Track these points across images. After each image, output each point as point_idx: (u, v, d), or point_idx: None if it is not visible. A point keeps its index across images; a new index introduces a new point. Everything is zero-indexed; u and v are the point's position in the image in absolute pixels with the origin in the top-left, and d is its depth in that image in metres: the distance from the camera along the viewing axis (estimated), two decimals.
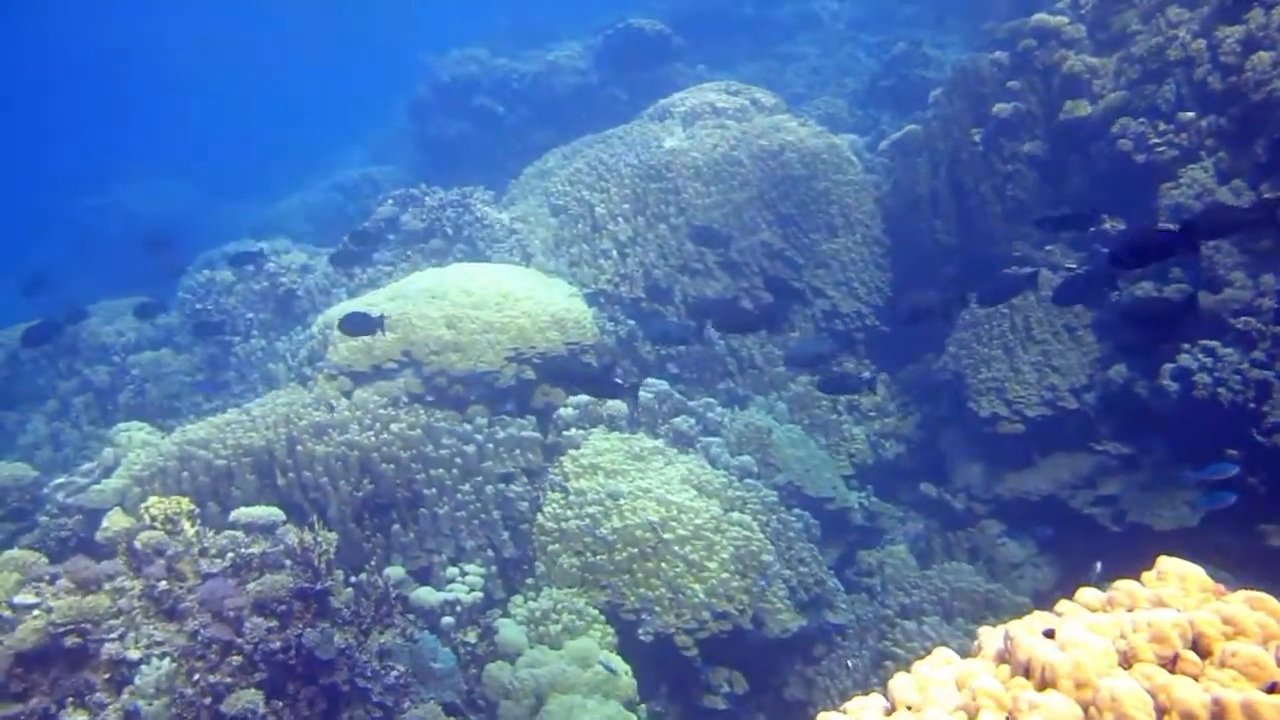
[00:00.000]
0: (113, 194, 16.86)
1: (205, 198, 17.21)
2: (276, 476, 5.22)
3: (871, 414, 7.40)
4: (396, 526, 5.22)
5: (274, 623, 3.88)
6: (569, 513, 5.31)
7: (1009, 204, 7.34)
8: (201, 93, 29.44)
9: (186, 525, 4.12)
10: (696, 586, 5.05)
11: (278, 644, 3.83)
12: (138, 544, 3.93)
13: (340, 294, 7.32)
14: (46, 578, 4.03)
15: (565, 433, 5.88)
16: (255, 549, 4.15)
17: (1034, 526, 6.40)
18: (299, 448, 5.28)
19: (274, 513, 4.70)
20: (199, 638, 3.70)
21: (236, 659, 3.69)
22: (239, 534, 4.25)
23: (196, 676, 3.60)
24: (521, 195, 8.38)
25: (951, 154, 7.75)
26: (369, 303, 6.26)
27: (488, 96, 13.19)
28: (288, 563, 4.10)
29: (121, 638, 3.71)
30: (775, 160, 7.93)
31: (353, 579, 4.46)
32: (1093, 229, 6.23)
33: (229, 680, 3.64)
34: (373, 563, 4.51)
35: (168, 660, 3.60)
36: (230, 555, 4.05)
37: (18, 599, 3.82)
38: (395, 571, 4.96)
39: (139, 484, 5.21)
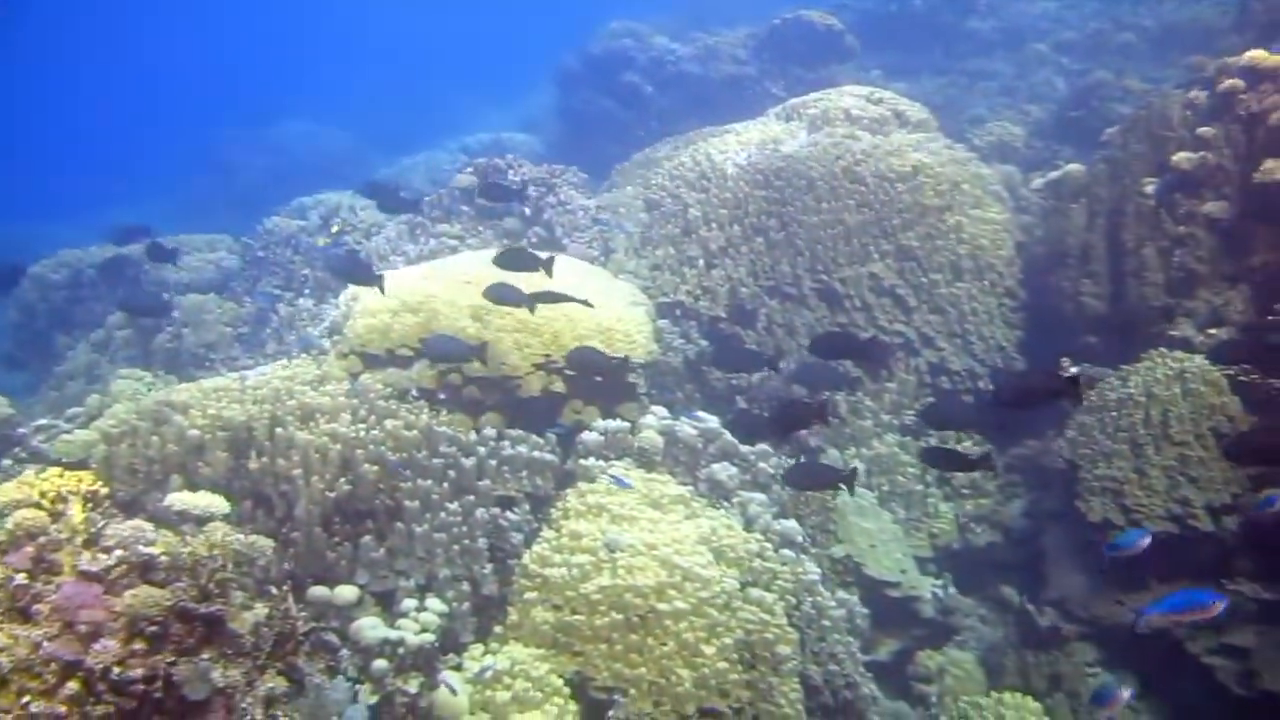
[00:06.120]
0: (267, 133, 17.06)
1: (356, 145, 17.21)
2: (250, 459, 4.66)
3: (966, 491, 6.33)
4: (368, 539, 4.58)
5: (142, 645, 3.28)
6: (556, 557, 4.54)
7: (1174, 273, 6.13)
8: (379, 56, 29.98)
9: (76, 508, 3.56)
10: (685, 672, 4.21)
11: (139, 672, 3.22)
12: (10, 524, 3.39)
13: (399, 262, 6.75)
14: None
15: (584, 461, 5.11)
16: (159, 548, 3.56)
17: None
18: (279, 430, 4.70)
19: (216, 503, 4.12)
20: (41, 651, 3.12)
21: (74, 685, 3.10)
22: (147, 526, 3.66)
23: (25, 699, 3.03)
24: (620, 183, 7.61)
25: (1114, 204, 6.57)
26: (400, 278, 5.64)
27: (638, 75, 12.49)
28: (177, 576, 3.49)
29: None
30: (905, 184, 6.90)
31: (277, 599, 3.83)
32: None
33: (60, 710, 3.06)
34: (287, 585, 3.85)
35: None
36: (119, 553, 3.46)
37: None
38: (345, 592, 4.32)
39: (107, 441, 4.73)
